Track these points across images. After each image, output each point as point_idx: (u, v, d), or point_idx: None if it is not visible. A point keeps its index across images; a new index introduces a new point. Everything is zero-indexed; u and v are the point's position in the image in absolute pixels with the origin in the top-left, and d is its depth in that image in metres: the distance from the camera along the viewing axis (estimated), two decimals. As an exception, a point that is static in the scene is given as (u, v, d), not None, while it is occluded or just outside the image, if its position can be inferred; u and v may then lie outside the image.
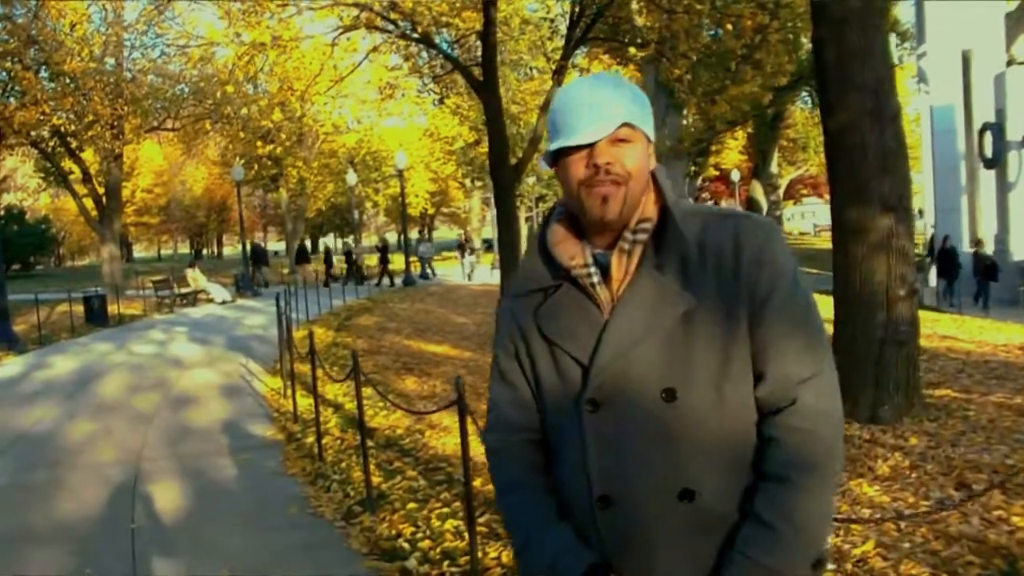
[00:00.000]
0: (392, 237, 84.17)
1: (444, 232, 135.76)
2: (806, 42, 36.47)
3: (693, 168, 53.33)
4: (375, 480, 9.32)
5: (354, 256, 48.65)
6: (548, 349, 2.56)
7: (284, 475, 10.79)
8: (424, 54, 38.50)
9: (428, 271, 51.51)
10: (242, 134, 40.54)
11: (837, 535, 6.73)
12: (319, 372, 16.68)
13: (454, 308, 31.58)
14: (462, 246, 54.03)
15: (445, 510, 8.34)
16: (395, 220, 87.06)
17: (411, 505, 8.60)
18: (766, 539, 2.33)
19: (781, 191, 70.60)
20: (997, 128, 32.38)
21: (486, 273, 50.68)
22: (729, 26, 20.68)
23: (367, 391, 14.30)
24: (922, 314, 22.80)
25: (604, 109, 2.41)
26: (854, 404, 10.13)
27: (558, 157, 2.49)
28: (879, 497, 7.62)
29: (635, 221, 2.49)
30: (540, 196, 66.48)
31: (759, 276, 2.41)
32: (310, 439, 12.12)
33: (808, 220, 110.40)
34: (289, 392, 15.03)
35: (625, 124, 2.42)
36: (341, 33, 20.61)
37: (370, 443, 11.30)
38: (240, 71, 22.21)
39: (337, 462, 10.81)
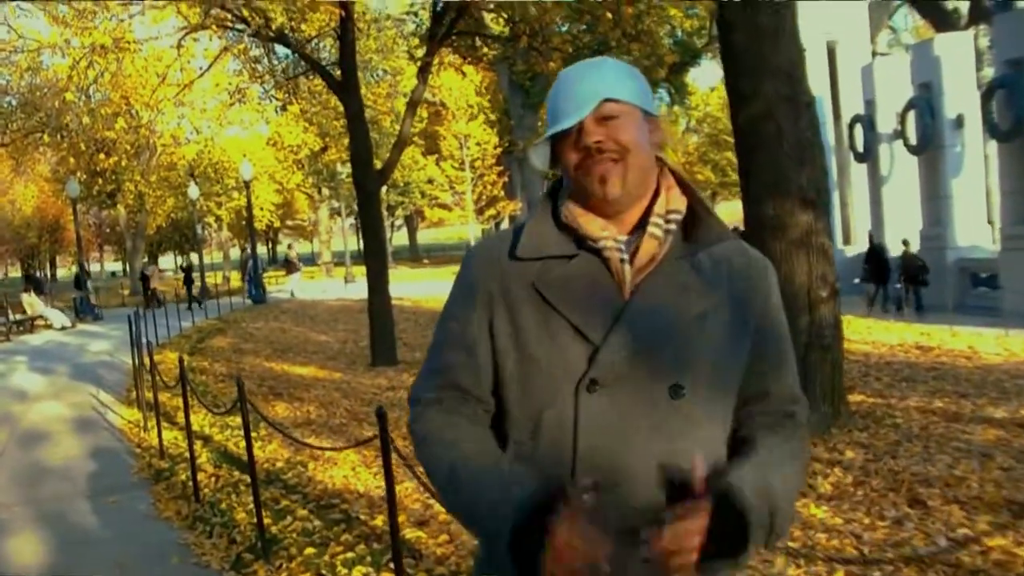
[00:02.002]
0: (235, 253, 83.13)
1: (287, 246, 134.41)
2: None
3: (553, 172, 53.26)
4: (264, 522, 8.64)
5: (148, 276, 47.20)
6: (544, 320, 2.46)
7: (157, 519, 10.05)
8: (267, 59, 37.74)
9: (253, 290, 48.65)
10: (83, 146, 39.34)
11: (799, 566, 6.31)
12: (179, 401, 16.09)
13: (312, 326, 30.85)
14: (289, 263, 51.90)
15: (349, 555, 7.66)
16: (239, 235, 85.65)
17: (309, 550, 7.92)
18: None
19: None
20: (867, 120, 32.53)
21: (338, 288, 49.97)
22: (608, 14, 20.31)
23: (234, 420, 13.76)
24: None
25: (583, 89, 2.41)
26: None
27: (555, 150, 2.48)
28: (830, 519, 7.31)
29: (663, 208, 2.47)
30: (391, 206, 66.08)
31: (769, 296, 2.54)
32: (181, 476, 11.36)
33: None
34: (150, 424, 14.30)
35: (608, 100, 2.39)
36: (188, 33, 19.87)
37: (248, 479, 10.68)
38: (79, 77, 21.27)
39: (216, 502, 10.05)
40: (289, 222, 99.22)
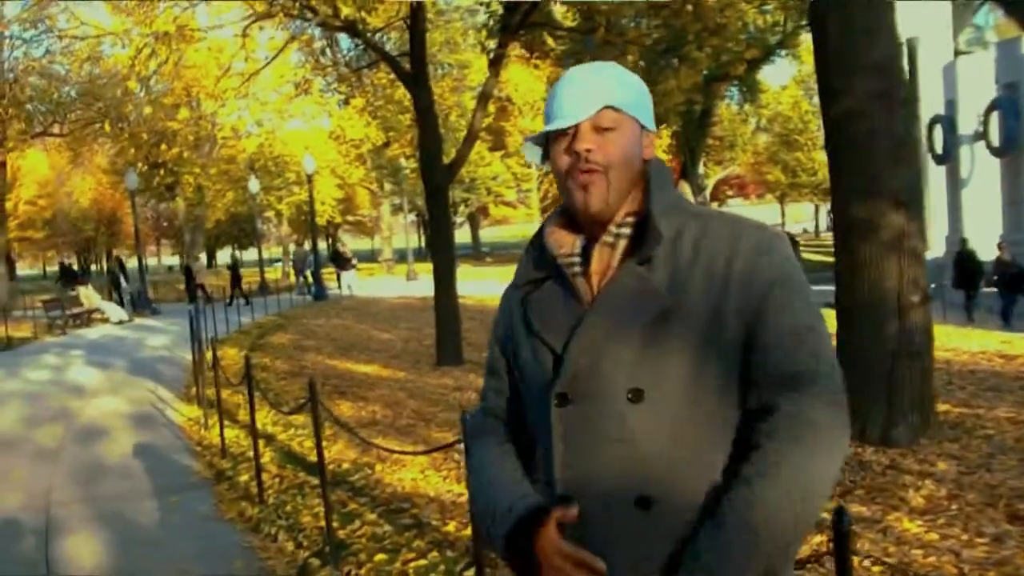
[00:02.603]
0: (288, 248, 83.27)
1: (348, 242, 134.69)
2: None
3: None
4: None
5: (194, 274, 47.02)
6: (531, 340, 2.62)
7: (220, 520, 9.90)
8: (330, 51, 37.86)
9: (304, 285, 47.77)
10: (145, 135, 39.43)
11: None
12: (241, 398, 15.95)
13: (374, 323, 30.67)
14: (339, 257, 50.11)
15: (422, 562, 7.44)
16: (298, 230, 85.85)
17: (379, 557, 7.73)
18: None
19: (708, 192, 70.47)
20: (947, 121, 31.97)
21: (399, 285, 49.86)
22: (689, 7, 20.01)
23: (297, 419, 13.60)
24: None
25: (585, 92, 2.48)
26: (863, 424, 9.54)
27: (549, 148, 2.57)
28: (925, 535, 6.98)
29: (622, 214, 2.53)
30: (455, 202, 65.88)
31: (752, 286, 2.41)
32: (244, 477, 11.23)
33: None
34: (211, 421, 14.20)
35: (608, 108, 2.46)
36: (254, 21, 19.73)
37: (314, 480, 10.49)
38: (140, 65, 21.18)
39: (280, 504, 9.88)
40: (350, 218, 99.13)
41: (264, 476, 10.71)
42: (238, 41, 21.30)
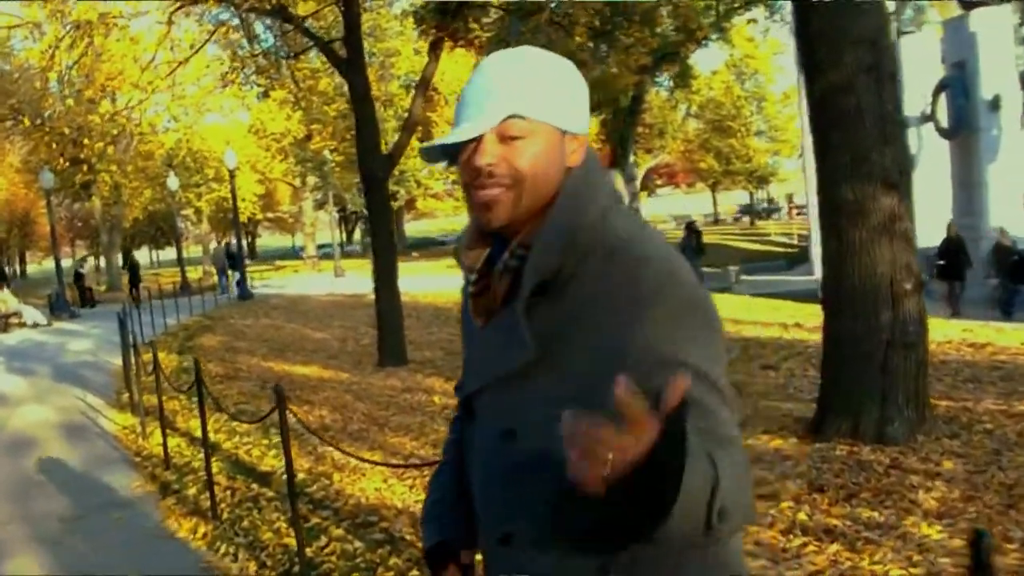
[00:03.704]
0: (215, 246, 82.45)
1: (268, 240, 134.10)
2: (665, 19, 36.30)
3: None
4: (294, 543, 7.93)
5: (83, 275, 46.24)
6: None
7: (170, 538, 9.37)
8: (248, 42, 37.10)
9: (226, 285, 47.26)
10: (67, 130, 38.75)
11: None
12: (178, 404, 15.47)
13: (305, 322, 30.09)
14: (232, 256, 47.96)
15: (404, 584, 7.02)
16: (217, 228, 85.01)
17: (354, 576, 7.29)
18: None
19: (638, 182, 70.35)
20: (959, 85, 29.89)
21: (326, 282, 49.35)
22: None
23: (242, 426, 13.11)
24: (815, 308, 22.23)
25: (490, 96, 2.21)
26: (856, 421, 9.26)
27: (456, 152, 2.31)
28: (948, 541, 6.63)
29: (529, 232, 2.25)
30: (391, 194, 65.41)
31: (634, 333, 2.06)
32: (191, 490, 10.74)
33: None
34: (148, 430, 13.72)
35: (514, 116, 2.18)
36: (181, 7, 19.15)
37: (269, 492, 10.05)
38: (60, 57, 20.60)
39: (236, 520, 9.38)
40: (270, 214, 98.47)
41: (215, 489, 10.22)
42: (156, 32, 20.88)
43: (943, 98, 28.86)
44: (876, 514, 7.17)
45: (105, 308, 41.74)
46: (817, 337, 16.54)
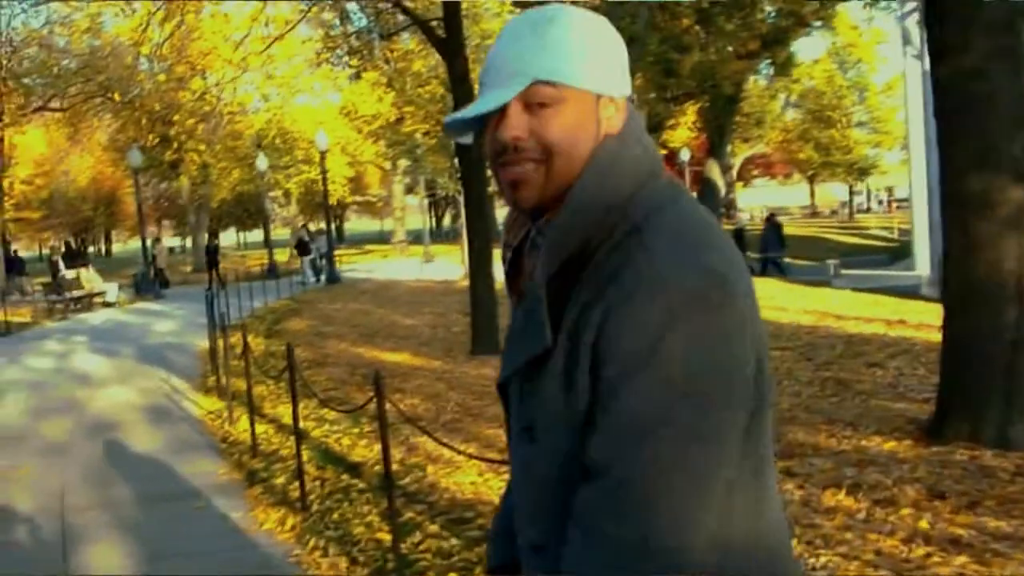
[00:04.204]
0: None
1: (355, 224, 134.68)
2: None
3: (643, 148, 52.03)
4: (387, 538, 7.63)
5: (155, 255, 46.45)
6: None
7: (257, 529, 9.10)
8: (340, 23, 37.19)
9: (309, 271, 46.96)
10: (157, 106, 38.99)
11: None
12: (265, 389, 15.27)
13: (394, 308, 29.94)
14: (303, 244, 47.84)
15: (505, 584, 6.67)
16: (305, 210, 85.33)
17: (453, 576, 6.97)
18: None
19: (735, 172, 69.80)
20: None
21: (415, 268, 49.29)
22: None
23: (330, 413, 12.86)
24: (917, 305, 21.86)
25: (513, 60, 2.02)
26: (976, 424, 8.80)
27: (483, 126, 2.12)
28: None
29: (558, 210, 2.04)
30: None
31: (608, 318, 1.87)
32: (279, 479, 10.46)
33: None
34: (236, 415, 13.56)
35: (540, 82, 1.98)
36: (273, -18, 19.02)
37: (360, 483, 9.75)
38: (151, 32, 20.55)
39: (325, 512, 9.09)
40: (358, 198, 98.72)
41: (304, 479, 9.94)
42: (246, 10, 20.77)
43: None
44: (1004, 524, 6.79)
45: (191, 288, 42.10)
46: (923, 335, 16.23)
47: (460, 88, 18.81)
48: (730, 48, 28.95)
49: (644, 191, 2.02)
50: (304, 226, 55.95)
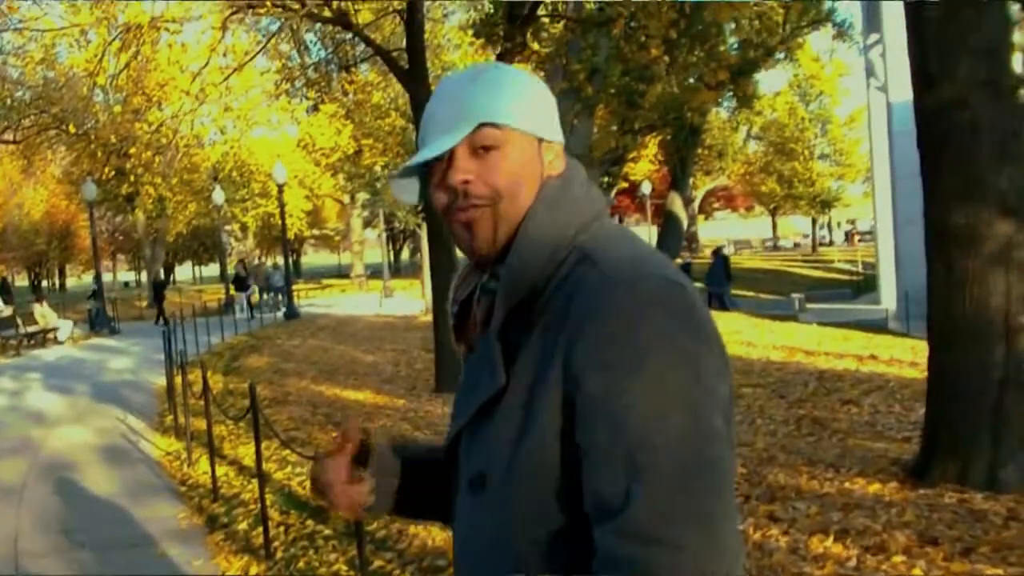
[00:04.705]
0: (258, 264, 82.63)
1: (313, 258, 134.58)
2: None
3: (606, 180, 51.92)
4: (358, 588, 7.41)
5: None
6: None
7: (222, 579, 8.89)
8: (299, 54, 37.13)
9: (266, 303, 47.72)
10: (114, 138, 38.77)
11: None
12: (224, 430, 15.04)
13: (355, 344, 29.75)
14: (240, 279, 47.46)
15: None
16: (262, 244, 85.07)
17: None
18: None
19: (696, 205, 69.92)
20: None
21: (373, 303, 49.12)
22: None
23: (292, 456, 12.62)
24: (886, 339, 21.86)
25: (456, 109, 2.06)
26: (965, 465, 8.61)
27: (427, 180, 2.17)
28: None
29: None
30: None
31: (574, 349, 1.88)
32: (242, 525, 10.24)
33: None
34: (195, 456, 13.39)
35: (486, 125, 2.03)
36: (235, 12, 18.78)
37: (326, 530, 9.52)
38: (107, 62, 20.37)
39: (291, 559, 8.87)
40: (315, 231, 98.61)
41: (268, 524, 9.71)
42: (204, 41, 20.62)
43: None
44: (1000, 571, 6.64)
45: (146, 324, 42.00)
46: (896, 370, 16.17)
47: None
48: (692, 80, 29.03)
49: (589, 232, 2.06)
50: (242, 261, 55.77)
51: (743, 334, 23.60)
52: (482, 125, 2.02)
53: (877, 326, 29.31)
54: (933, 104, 9.11)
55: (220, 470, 12.31)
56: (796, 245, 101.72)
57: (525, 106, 2.08)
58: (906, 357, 18.49)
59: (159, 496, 12.30)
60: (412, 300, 44.65)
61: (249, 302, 44.70)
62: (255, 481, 10.76)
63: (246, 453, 13.27)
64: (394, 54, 20.22)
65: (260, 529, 9.48)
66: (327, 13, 18.36)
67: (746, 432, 12.63)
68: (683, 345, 1.84)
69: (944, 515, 7.85)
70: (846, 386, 15.44)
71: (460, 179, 2.03)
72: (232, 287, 48.51)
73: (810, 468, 9.95)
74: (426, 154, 2.04)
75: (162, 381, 19.85)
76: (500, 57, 19.95)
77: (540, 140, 2.11)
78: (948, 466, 8.78)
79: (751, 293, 40.41)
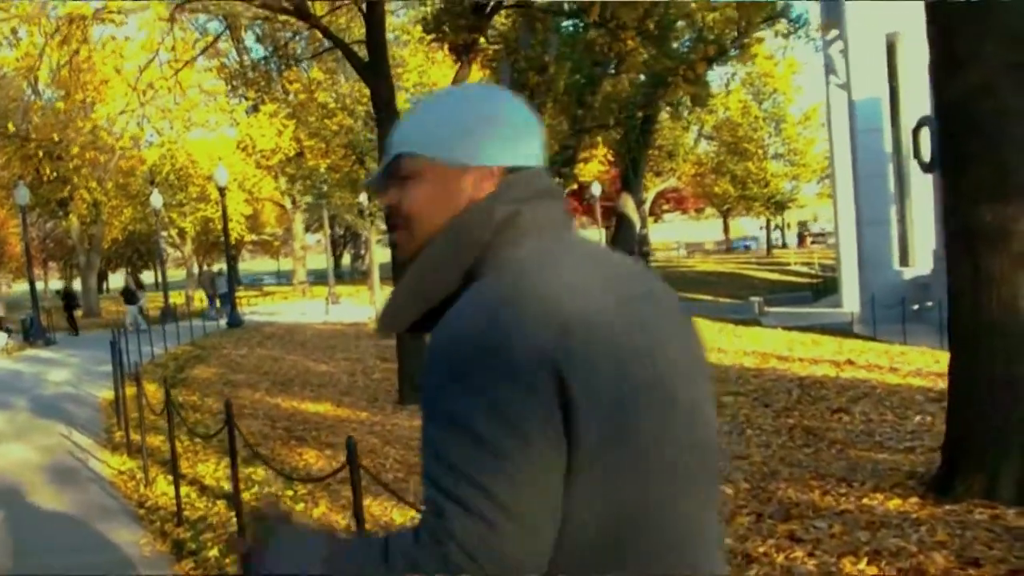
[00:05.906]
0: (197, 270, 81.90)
1: (251, 264, 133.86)
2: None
3: (557, 181, 51.53)
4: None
5: None
6: None
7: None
8: (238, 54, 36.66)
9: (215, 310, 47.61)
10: (56, 136, 38.14)
11: None
12: (178, 445, 14.43)
13: (305, 354, 29.33)
14: (129, 292, 45.25)
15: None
16: (199, 250, 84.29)
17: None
18: None
19: (647, 206, 69.64)
20: (936, 124, 31.10)
21: (319, 310, 48.60)
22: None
23: (259, 473, 12.09)
24: (856, 344, 21.73)
25: (391, 137, 2.36)
26: (992, 479, 8.26)
27: None
28: None
29: None
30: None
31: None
32: (211, 551, 9.61)
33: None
34: (151, 475, 12.92)
35: (403, 156, 2.28)
36: (186, 1, 18.24)
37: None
38: (50, 52, 19.80)
39: (270, 590, 8.31)
40: (254, 236, 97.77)
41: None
42: (139, 38, 20.22)
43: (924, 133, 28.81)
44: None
45: (82, 334, 41.46)
46: (877, 376, 15.94)
47: (386, 115, 18.17)
48: (643, 77, 28.95)
49: (488, 259, 2.14)
50: (130, 273, 55.25)
51: (710, 340, 23.29)
52: (400, 156, 2.26)
53: (842, 330, 29.27)
54: (957, 92, 8.73)
55: (181, 490, 11.71)
56: (747, 247, 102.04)
57: (448, 133, 2.23)
58: (883, 363, 18.38)
59: (116, 520, 11.62)
60: (360, 306, 44.19)
61: (143, 313, 43.45)
62: (220, 502, 10.23)
63: (206, 472, 12.78)
64: (353, 46, 19.78)
65: (234, 557, 8.92)
66: (285, 3, 17.87)
67: (737, 443, 12.29)
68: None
69: (979, 533, 7.48)
70: (831, 393, 15.28)
71: (384, 204, 2.36)
72: (122, 298, 47.43)
73: (820, 483, 9.60)
74: (369, 181, 2.46)
75: (105, 394, 19.32)
76: (463, 50, 19.57)
77: (465, 167, 2.22)
78: (974, 480, 8.39)
79: (708, 297, 40.15)
